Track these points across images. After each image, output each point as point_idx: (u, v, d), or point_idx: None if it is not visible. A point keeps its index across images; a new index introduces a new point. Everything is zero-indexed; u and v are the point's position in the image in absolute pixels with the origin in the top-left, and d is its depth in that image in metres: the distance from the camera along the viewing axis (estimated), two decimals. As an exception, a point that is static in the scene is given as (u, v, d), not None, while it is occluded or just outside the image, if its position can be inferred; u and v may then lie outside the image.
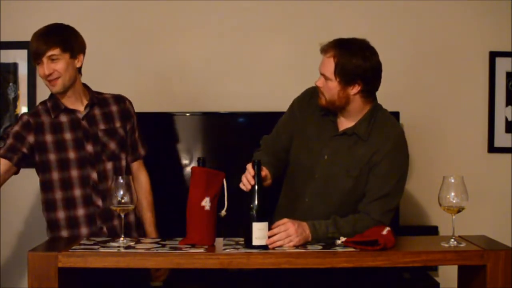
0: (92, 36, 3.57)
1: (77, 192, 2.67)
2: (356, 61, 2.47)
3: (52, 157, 2.67)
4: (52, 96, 2.73)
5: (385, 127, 2.57)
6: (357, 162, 2.54)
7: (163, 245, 2.37)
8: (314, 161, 2.61)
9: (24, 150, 2.66)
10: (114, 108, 2.79)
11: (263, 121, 3.22)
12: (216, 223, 2.37)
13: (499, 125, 3.69)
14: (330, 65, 2.49)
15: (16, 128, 2.68)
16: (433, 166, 3.60)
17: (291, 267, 2.26)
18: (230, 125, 3.57)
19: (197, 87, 3.63)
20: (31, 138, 2.67)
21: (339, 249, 2.32)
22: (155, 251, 2.29)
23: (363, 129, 2.55)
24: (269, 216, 2.38)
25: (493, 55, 3.66)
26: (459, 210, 2.36)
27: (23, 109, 3.60)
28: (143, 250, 2.29)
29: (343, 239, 2.38)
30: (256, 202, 2.32)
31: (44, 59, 2.60)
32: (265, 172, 2.43)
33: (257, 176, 2.35)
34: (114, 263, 2.26)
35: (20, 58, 3.59)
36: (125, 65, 3.63)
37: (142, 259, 2.25)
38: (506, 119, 3.68)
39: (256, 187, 2.34)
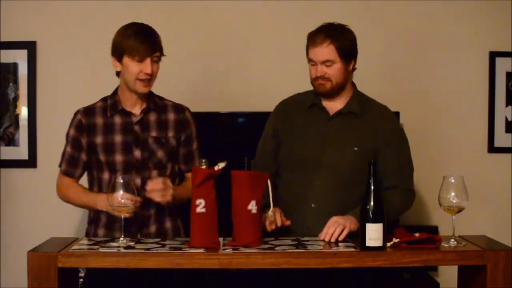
0: (91, 35, 3.59)
1: None
2: (350, 36, 2.70)
3: (102, 158, 2.67)
4: (115, 94, 2.72)
5: (372, 103, 2.79)
6: (360, 138, 2.68)
7: (163, 245, 2.37)
8: (316, 147, 2.68)
9: (83, 156, 2.69)
10: (171, 116, 2.74)
11: (263, 121, 3.21)
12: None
13: (499, 125, 3.68)
14: (332, 50, 2.65)
15: (72, 131, 2.69)
16: (433, 166, 3.60)
17: (291, 267, 2.26)
18: (230, 125, 3.57)
19: (197, 87, 3.62)
20: (84, 140, 2.68)
21: (339, 249, 2.32)
22: (155, 251, 2.29)
23: (355, 107, 2.73)
24: (384, 217, 2.33)
25: (493, 55, 3.66)
26: (459, 210, 2.36)
27: (23, 109, 3.59)
28: (143, 250, 2.29)
29: (396, 240, 2.38)
30: (371, 203, 2.30)
31: (148, 59, 2.59)
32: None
33: (373, 176, 2.33)
34: (114, 263, 2.26)
35: (20, 58, 3.59)
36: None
37: (142, 259, 2.25)
38: (506, 119, 3.68)
39: (372, 187, 2.32)
